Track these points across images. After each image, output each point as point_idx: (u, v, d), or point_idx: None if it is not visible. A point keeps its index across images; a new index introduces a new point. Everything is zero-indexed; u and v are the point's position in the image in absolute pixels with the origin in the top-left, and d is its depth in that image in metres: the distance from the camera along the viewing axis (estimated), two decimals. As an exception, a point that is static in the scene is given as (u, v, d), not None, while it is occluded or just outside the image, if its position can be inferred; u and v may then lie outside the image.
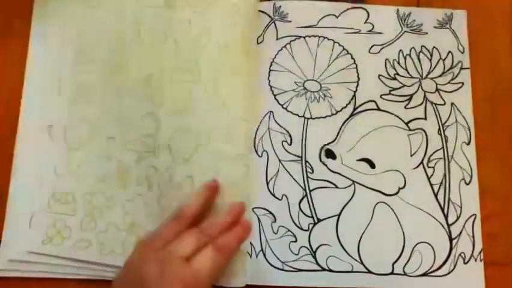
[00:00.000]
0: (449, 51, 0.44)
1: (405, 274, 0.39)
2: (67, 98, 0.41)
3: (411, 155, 0.42)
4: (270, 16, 0.44)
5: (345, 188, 0.41)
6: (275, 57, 0.43)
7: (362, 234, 0.40)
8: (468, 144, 0.42)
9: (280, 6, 0.44)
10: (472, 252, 0.40)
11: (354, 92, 0.43)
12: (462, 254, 0.40)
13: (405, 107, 0.42)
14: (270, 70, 0.43)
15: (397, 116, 0.42)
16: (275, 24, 0.44)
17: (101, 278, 0.39)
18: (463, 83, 0.43)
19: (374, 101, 0.42)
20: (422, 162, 0.41)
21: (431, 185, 0.41)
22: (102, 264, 0.39)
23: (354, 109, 0.42)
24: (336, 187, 0.41)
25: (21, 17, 0.43)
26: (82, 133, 0.41)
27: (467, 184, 0.41)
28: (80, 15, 0.43)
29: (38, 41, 0.42)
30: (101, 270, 0.39)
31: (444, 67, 0.44)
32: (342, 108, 0.42)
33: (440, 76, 0.43)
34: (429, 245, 0.40)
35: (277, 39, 0.43)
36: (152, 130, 0.41)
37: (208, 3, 0.43)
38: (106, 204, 0.40)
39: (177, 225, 0.35)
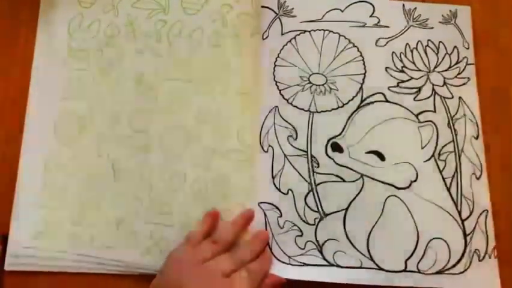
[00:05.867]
0: (455, 47, 0.41)
1: (419, 271, 0.35)
2: (58, 94, 0.40)
3: (423, 148, 0.38)
4: (274, 12, 0.41)
5: (353, 181, 0.37)
6: (280, 52, 0.40)
7: (372, 228, 0.36)
8: (476, 138, 0.38)
9: (285, 2, 0.41)
10: (486, 248, 0.36)
11: (361, 84, 0.39)
12: (477, 251, 0.36)
13: (414, 99, 0.39)
14: (275, 65, 0.40)
15: (406, 108, 0.39)
16: (280, 19, 0.41)
17: (95, 272, 0.37)
18: (468, 78, 0.40)
19: (382, 93, 0.39)
20: (433, 155, 0.38)
21: (444, 178, 0.37)
22: (94, 257, 0.37)
23: (362, 101, 0.39)
24: (344, 181, 0.37)
25: (27, 26, 0.41)
26: (72, 128, 0.39)
27: (478, 179, 0.37)
28: (73, 15, 0.41)
29: (43, 47, 0.41)
30: (94, 263, 0.37)
31: (450, 61, 0.40)
32: (349, 101, 0.39)
33: (447, 70, 0.40)
34: (444, 241, 0.36)
35: (282, 34, 0.40)
36: (144, 126, 0.39)
37: (201, 4, 0.42)
38: (97, 199, 0.38)
39: (215, 247, 0.35)
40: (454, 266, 0.35)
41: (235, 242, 0.36)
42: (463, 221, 0.36)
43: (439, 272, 0.35)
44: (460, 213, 0.36)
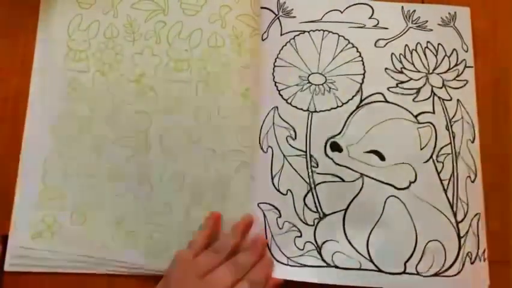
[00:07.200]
0: (454, 49, 0.40)
1: (418, 274, 0.35)
2: (57, 94, 0.39)
3: (421, 149, 0.37)
4: (274, 12, 0.41)
5: (352, 181, 0.36)
6: (279, 52, 0.40)
7: (372, 229, 0.36)
8: (473, 142, 0.38)
9: (284, 2, 0.41)
10: (477, 251, 0.36)
11: (361, 84, 0.39)
12: (469, 254, 0.36)
13: (413, 100, 0.38)
14: (275, 66, 0.39)
15: (406, 109, 0.38)
16: (279, 20, 0.40)
17: (95, 272, 0.36)
18: (467, 81, 0.39)
19: (382, 94, 0.38)
20: (431, 157, 0.37)
21: (441, 180, 0.37)
22: (94, 257, 0.37)
23: (361, 101, 0.38)
24: (343, 181, 0.37)
25: (27, 26, 0.41)
26: (72, 128, 0.39)
27: (472, 182, 0.37)
28: (72, 16, 0.41)
29: (43, 48, 0.40)
30: (94, 263, 0.37)
31: (449, 64, 0.40)
32: (349, 100, 0.38)
33: (446, 72, 0.40)
34: (440, 243, 0.35)
35: (281, 34, 0.40)
36: (143, 127, 0.39)
37: (200, 5, 0.41)
38: (96, 199, 0.38)
39: (217, 257, 0.34)
40: (448, 268, 0.35)
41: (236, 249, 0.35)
42: (457, 223, 0.36)
43: (436, 274, 0.35)
44: (455, 215, 0.36)
